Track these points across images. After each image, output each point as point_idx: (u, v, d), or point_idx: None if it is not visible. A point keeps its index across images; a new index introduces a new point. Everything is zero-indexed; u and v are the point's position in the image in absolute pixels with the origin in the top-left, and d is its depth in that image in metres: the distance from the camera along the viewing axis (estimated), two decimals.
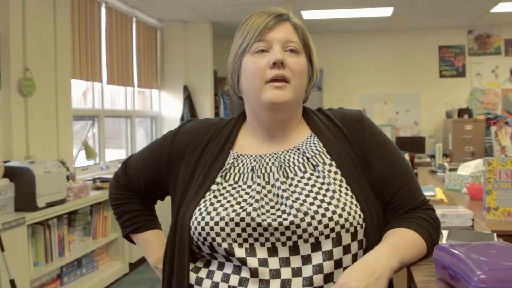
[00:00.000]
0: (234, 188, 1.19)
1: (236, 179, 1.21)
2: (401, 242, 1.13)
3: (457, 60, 7.66)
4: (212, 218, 1.12)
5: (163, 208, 1.76)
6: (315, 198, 1.12)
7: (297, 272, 1.08)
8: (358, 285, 0.99)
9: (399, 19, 6.84)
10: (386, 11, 6.36)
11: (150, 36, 6.34)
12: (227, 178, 1.21)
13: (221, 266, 1.15)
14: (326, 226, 1.08)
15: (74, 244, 3.95)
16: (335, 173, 1.18)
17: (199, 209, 1.16)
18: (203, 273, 1.17)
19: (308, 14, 6.36)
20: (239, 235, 1.11)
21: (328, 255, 1.09)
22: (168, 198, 1.37)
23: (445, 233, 1.54)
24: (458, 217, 1.94)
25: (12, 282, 2.92)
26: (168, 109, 6.64)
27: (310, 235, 1.08)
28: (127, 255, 4.69)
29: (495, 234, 1.54)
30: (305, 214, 1.09)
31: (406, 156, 4.56)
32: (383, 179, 1.21)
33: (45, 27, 4.08)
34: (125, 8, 5.61)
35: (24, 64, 3.82)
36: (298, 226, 1.08)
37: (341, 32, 7.64)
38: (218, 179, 1.20)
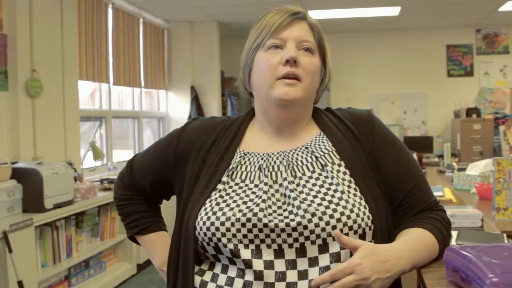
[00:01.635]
0: (240, 188, 1.17)
1: (243, 178, 1.19)
2: (417, 244, 1.11)
3: (465, 59, 7.62)
4: (218, 218, 1.11)
5: (169, 209, 1.75)
6: (323, 199, 1.10)
7: (303, 275, 1.07)
8: (372, 280, 0.98)
9: (407, 18, 6.81)
10: (394, 11, 6.33)
11: (157, 37, 6.34)
12: (233, 177, 1.20)
13: (225, 269, 1.13)
14: (334, 227, 1.06)
15: (81, 245, 3.96)
16: (344, 173, 1.16)
17: (205, 209, 1.14)
18: (207, 276, 1.15)
19: (315, 14, 6.34)
20: (245, 236, 1.09)
21: (336, 257, 1.07)
22: (173, 198, 1.36)
23: (454, 234, 1.52)
24: (467, 217, 1.92)
25: (20, 284, 2.92)
26: (175, 109, 6.65)
27: (318, 236, 1.07)
28: (134, 256, 4.69)
29: (505, 235, 1.52)
30: (313, 215, 1.07)
31: (414, 156, 4.52)
32: (393, 179, 1.19)
33: (52, 28, 4.09)
34: (132, 8, 5.62)
35: (31, 65, 3.83)
36: (305, 227, 1.06)
37: (348, 31, 7.62)
38: (224, 178, 1.19)
